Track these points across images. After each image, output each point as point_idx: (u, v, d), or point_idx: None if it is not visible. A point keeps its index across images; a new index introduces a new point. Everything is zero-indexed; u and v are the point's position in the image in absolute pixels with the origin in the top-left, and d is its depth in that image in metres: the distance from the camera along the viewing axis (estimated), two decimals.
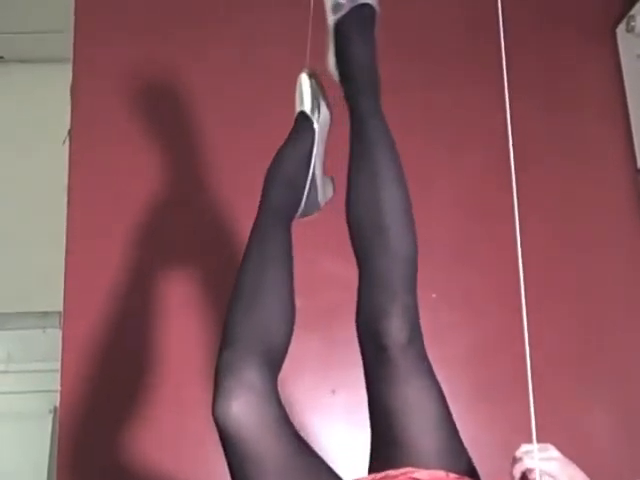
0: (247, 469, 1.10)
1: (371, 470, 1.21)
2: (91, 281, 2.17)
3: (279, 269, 1.30)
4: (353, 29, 1.41)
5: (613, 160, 2.35)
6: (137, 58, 2.34)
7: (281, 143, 1.44)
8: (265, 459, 1.10)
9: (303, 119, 1.47)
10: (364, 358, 1.27)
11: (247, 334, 1.21)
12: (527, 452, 1.03)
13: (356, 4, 1.40)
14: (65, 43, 2.38)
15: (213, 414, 1.12)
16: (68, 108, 2.29)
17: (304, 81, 1.49)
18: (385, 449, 1.21)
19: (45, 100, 3.41)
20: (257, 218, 1.37)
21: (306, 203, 1.45)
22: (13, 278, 3.72)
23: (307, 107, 1.47)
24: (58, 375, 2.12)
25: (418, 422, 1.19)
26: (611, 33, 2.41)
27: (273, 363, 1.21)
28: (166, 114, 2.30)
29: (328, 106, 1.49)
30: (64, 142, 2.32)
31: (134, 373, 2.09)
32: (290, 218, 1.40)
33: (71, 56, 2.32)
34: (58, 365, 2.14)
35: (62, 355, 2.12)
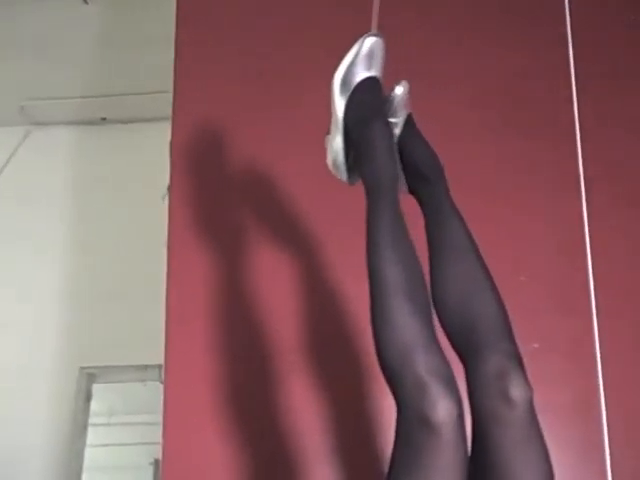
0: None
1: None
2: (191, 334, 2.19)
3: (411, 246, 1.32)
4: (413, 136, 1.53)
5: None
6: (235, 116, 2.39)
7: None
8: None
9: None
10: (479, 415, 1.25)
11: (425, 329, 1.22)
12: None
13: (405, 116, 1.51)
14: (164, 103, 2.46)
15: (433, 419, 1.13)
16: (167, 165, 2.35)
17: None
18: None
19: (146, 158, 3.51)
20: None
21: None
22: (113, 332, 3.82)
23: None
24: (157, 427, 2.13)
25: None
26: None
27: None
28: (265, 170, 2.33)
29: None
30: (163, 198, 2.37)
31: (236, 425, 2.10)
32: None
33: (170, 115, 2.39)
34: (157, 418, 2.15)
35: (164, 408, 2.13)
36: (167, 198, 2.34)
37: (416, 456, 1.14)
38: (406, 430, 1.16)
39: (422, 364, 1.16)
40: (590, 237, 1.91)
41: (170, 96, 2.41)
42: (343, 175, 1.50)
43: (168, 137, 2.38)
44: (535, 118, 2.33)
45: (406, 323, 1.20)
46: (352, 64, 1.43)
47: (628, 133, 2.33)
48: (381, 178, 1.36)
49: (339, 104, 1.45)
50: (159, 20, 2.80)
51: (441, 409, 1.12)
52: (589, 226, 1.92)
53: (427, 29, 2.46)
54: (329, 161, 1.51)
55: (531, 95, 2.36)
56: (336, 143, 1.47)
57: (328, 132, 1.50)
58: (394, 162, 1.40)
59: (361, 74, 1.43)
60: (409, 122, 1.53)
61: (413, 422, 1.14)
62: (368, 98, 1.43)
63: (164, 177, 2.37)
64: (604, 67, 2.36)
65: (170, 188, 2.34)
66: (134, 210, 3.87)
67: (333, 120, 1.47)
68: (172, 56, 2.44)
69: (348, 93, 1.44)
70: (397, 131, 1.51)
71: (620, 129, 2.32)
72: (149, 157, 2.90)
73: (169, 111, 2.40)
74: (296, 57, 2.43)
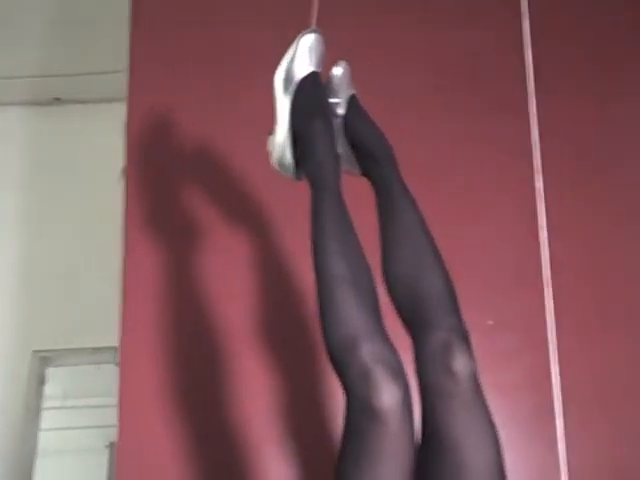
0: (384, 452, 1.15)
1: None
2: (146, 317, 2.18)
3: (355, 238, 1.33)
4: (359, 118, 1.55)
5: None
6: (190, 97, 2.38)
7: None
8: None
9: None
10: (425, 391, 1.27)
11: (370, 318, 1.23)
12: None
13: (348, 96, 1.55)
14: (120, 83, 2.43)
15: (377, 406, 1.14)
16: (123, 146, 2.33)
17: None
18: None
19: (101, 139, 3.47)
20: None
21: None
22: (67, 315, 3.78)
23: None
24: (113, 410, 2.12)
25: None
26: None
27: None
28: (222, 151, 2.32)
29: None
30: (119, 180, 2.35)
31: (193, 408, 2.10)
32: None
33: (126, 95, 2.37)
34: (112, 400, 2.15)
35: (119, 390, 2.13)
36: (123, 180, 2.32)
37: (362, 444, 1.15)
38: (353, 419, 1.18)
39: (367, 352, 1.17)
40: (545, 216, 1.94)
41: (125, 76, 2.38)
42: (289, 172, 1.52)
43: (124, 118, 2.36)
44: (489, 96, 2.36)
45: (351, 314, 1.22)
46: (292, 61, 1.46)
47: (583, 108, 2.36)
48: (323, 174, 1.38)
49: (284, 102, 1.47)
50: None
51: (386, 396, 1.14)
52: (544, 203, 1.95)
53: (379, 11, 2.47)
54: (274, 160, 1.52)
55: (484, 73, 2.39)
56: (283, 141, 1.48)
57: (271, 132, 1.51)
58: (335, 158, 1.43)
59: (302, 70, 1.46)
60: (353, 103, 1.56)
61: (359, 410, 1.16)
62: (311, 95, 1.46)
63: (120, 158, 2.35)
64: (559, 43, 2.38)
65: (126, 170, 2.33)
66: (90, 192, 3.82)
67: (278, 119, 1.49)
68: (128, 35, 2.42)
69: (292, 90, 1.46)
70: (341, 111, 1.54)
71: (575, 104, 2.35)
72: (105, 138, 2.88)
73: (125, 91, 2.38)
74: (252, 41, 2.42)
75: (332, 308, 1.24)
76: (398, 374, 1.17)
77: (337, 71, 1.55)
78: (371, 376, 1.15)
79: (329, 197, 1.35)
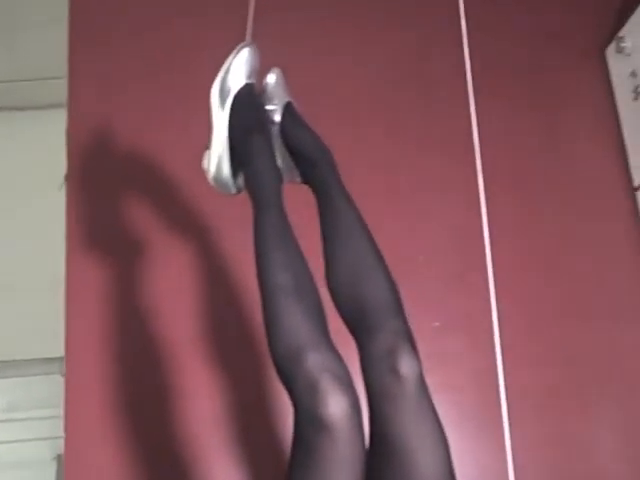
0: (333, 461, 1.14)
1: None
2: (92, 326, 2.16)
3: (298, 250, 1.33)
4: (295, 124, 1.55)
5: (607, 180, 2.35)
6: (130, 103, 2.36)
7: None
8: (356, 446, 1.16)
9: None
10: (372, 395, 1.27)
11: (315, 328, 1.23)
12: None
13: (284, 103, 1.55)
14: (60, 90, 2.40)
15: (325, 416, 1.13)
16: (64, 154, 2.30)
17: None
18: None
19: (43, 146, 3.41)
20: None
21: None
22: (12, 325, 3.71)
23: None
24: (60, 422, 2.10)
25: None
26: (600, 54, 2.44)
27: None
28: (161, 157, 2.30)
29: None
30: (60, 188, 2.32)
31: (139, 418, 2.08)
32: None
33: (66, 102, 2.34)
34: (59, 412, 2.12)
35: (65, 401, 2.10)
36: (64, 188, 2.29)
37: (312, 453, 1.15)
38: (302, 429, 1.17)
39: (313, 362, 1.16)
40: (487, 216, 1.96)
41: (65, 83, 2.35)
42: (227, 187, 1.51)
43: (64, 125, 2.33)
44: (429, 97, 2.38)
45: (296, 324, 1.22)
46: (226, 75, 1.46)
47: (524, 109, 2.40)
48: (264, 186, 1.39)
49: (220, 116, 1.47)
50: (52, 3, 2.73)
51: (333, 405, 1.13)
52: (486, 205, 1.97)
53: (317, 16, 2.48)
54: (211, 176, 1.51)
55: (424, 74, 2.41)
56: (220, 154, 1.47)
57: (207, 146, 1.50)
58: (276, 169, 1.43)
59: (237, 83, 1.46)
60: (289, 109, 1.56)
61: (307, 421, 1.15)
62: (247, 108, 1.46)
63: (61, 166, 2.32)
64: (499, 43, 2.43)
65: (67, 177, 2.30)
66: (33, 200, 3.76)
67: (214, 132, 1.48)
68: (66, 40, 2.39)
69: (228, 103, 1.46)
70: (277, 118, 1.54)
71: (516, 107, 2.39)
72: (45, 145, 2.83)
73: (65, 98, 2.35)
74: (193, 48, 2.42)
75: (277, 319, 1.23)
76: (345, 382, 1.17)
77: (270, 78, 1.55)
78: (318, 386, 1.14)
79: (271, 209, 1.35)
